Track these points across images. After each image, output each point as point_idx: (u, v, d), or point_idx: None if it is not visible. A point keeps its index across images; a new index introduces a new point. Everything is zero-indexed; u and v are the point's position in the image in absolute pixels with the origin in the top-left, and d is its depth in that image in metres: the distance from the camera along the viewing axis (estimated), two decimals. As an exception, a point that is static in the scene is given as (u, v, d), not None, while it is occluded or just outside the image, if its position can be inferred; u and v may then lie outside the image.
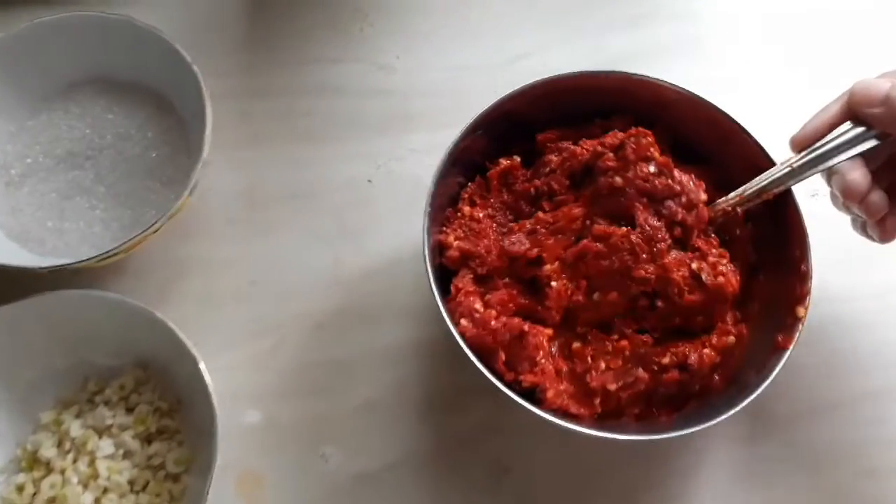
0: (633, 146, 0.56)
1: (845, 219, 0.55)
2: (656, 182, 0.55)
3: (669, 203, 0.55)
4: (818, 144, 0.49)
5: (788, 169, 0.51)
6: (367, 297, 0.62)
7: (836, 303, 0.64)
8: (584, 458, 0.58)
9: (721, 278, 0.54)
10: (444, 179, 0.55)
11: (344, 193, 0.66)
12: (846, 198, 0.47)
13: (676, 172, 0.55)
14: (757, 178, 0.54)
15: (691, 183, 0.56)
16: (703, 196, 0.55)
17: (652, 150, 0.56)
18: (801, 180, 0.51)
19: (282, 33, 0.72)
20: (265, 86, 0.70)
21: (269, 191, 0.66)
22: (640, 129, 0.56)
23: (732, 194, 0.56)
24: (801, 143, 0.50)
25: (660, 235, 0.54)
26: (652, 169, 0.55)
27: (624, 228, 0.55)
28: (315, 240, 0.64)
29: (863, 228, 0.52)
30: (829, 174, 0.49)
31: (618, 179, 0.56)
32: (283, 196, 0.66)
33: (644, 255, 0.54)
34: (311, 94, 0.70)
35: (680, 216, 0.55)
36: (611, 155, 0.56)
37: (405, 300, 0.62)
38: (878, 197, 0.46)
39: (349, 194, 0.66)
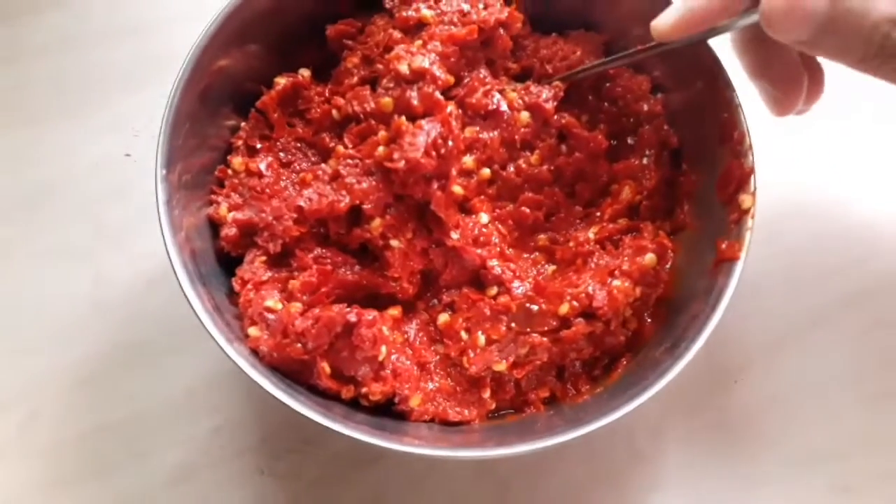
0: None
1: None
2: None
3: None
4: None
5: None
6: (145, 323, 0.48)
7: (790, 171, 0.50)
8: (491, 473, 0.45)
9: None
10: (193, 123, 0.40)
11: (95, 180, 0.51)
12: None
13: None
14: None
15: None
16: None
17: None
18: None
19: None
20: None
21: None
22: None
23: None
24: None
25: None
26: None
27: None
28: (63, 255, 0.49)
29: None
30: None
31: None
32: (7, 205, 0.50)
33: None
34: (27, 55, 0.54)
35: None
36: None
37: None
38: None
39: (102, 180, 0.51)
